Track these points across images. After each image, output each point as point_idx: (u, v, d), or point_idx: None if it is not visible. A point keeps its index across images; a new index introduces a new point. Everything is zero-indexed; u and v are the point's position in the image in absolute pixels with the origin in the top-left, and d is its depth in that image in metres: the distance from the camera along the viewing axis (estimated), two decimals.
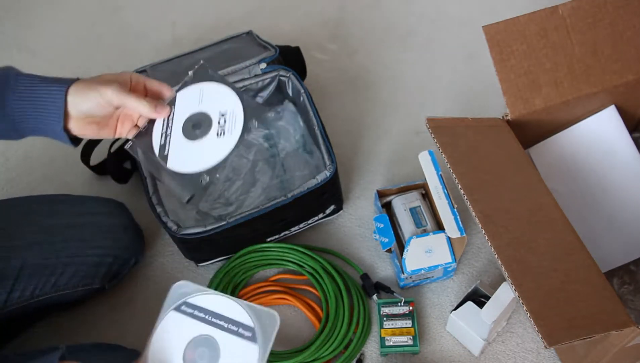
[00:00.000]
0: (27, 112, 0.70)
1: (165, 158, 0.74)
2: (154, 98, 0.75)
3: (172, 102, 0.76)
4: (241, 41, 1.11)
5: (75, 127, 0.72)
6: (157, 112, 0.73)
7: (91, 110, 0.70)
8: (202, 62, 0.78)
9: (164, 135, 0.75)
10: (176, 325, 0.64)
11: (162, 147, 0.74)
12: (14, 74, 0.71)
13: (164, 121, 0.75)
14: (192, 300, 0.65)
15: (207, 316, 0.63)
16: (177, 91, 0.77)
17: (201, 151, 0.74)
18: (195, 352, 0.62)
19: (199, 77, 0.77)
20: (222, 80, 0.77)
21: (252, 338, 0.61)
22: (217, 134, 0.74)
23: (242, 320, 0.62)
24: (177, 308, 0.65)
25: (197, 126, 0.75)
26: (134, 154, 0.75)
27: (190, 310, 0.64)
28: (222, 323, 0.63)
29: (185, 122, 0.75)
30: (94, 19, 1.42)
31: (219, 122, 0.75)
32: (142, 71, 1.08)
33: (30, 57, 1.35)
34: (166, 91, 0.76)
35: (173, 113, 0.76)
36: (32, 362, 0.63)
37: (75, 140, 0.74)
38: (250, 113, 0.74)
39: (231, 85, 0.77)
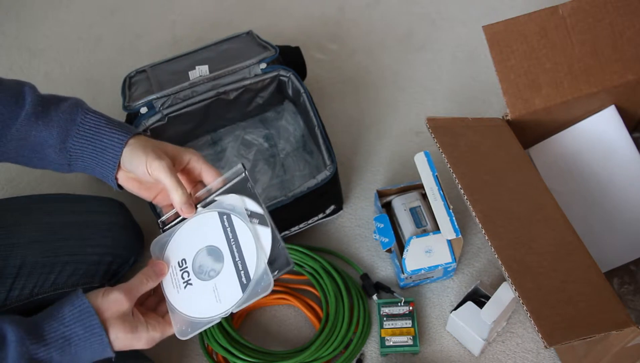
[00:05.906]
0: (85, 152, 0.70)
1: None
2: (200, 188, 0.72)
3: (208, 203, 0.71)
4: (241, 41, 1.11)
5: (121, 177, 0.72)
6: (181, 210, 0.70)
7: (136, 172, 0.69)
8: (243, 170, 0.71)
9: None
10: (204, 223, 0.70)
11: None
12: (83, 111, 0.71)
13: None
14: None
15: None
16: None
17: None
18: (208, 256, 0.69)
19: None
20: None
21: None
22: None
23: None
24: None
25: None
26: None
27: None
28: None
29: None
30: (93, 18, 1.42)
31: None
32: (142, 71, 1.08)
33: (31, 57, 1.35)
34: (209, 180, 0.71)
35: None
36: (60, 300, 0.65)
37: (120, 186, 0.73)
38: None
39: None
